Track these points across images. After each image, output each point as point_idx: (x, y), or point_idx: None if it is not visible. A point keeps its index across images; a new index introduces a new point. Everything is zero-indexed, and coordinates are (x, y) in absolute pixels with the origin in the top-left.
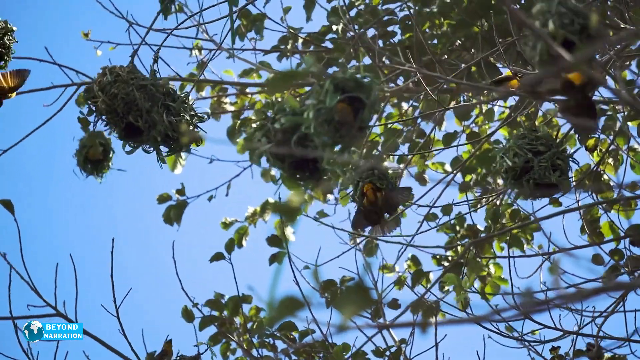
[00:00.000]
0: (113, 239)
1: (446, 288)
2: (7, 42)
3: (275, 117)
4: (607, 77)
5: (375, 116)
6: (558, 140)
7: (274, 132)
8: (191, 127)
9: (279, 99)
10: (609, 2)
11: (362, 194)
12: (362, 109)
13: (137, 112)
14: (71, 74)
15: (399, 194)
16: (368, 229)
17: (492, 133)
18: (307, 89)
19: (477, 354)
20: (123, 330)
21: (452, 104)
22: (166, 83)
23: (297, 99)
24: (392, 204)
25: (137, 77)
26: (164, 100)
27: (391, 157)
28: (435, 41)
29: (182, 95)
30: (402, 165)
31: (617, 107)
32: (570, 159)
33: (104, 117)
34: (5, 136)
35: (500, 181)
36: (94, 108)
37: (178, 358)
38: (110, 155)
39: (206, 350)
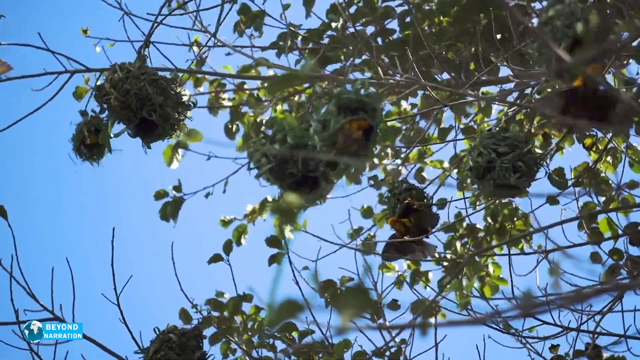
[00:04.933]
0: (113, 229)
1: (447, 288)
2: None
3: (275, 137)
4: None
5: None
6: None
7: (274, 151)
8: (176, 115)
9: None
10: (608, 1)
11: (400, 223)
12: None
13: (150, 106)
14: (65, 63)
15: (430, 218)
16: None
17: (490, 129)
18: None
19: (478, 351)
20: (124, 318)
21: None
22: (176, 76)
23: (299, 97)
24: (424, 227)
25: (147, 72)
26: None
27: (389, 153)
28: (435, 38)
29: (170, 81)
30: (399, 161)
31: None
32: (538, 161)
33: (115, 114)
34: None
35: None
36: (105, 106)
37: (179, 331)
38: (107, 139)
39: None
